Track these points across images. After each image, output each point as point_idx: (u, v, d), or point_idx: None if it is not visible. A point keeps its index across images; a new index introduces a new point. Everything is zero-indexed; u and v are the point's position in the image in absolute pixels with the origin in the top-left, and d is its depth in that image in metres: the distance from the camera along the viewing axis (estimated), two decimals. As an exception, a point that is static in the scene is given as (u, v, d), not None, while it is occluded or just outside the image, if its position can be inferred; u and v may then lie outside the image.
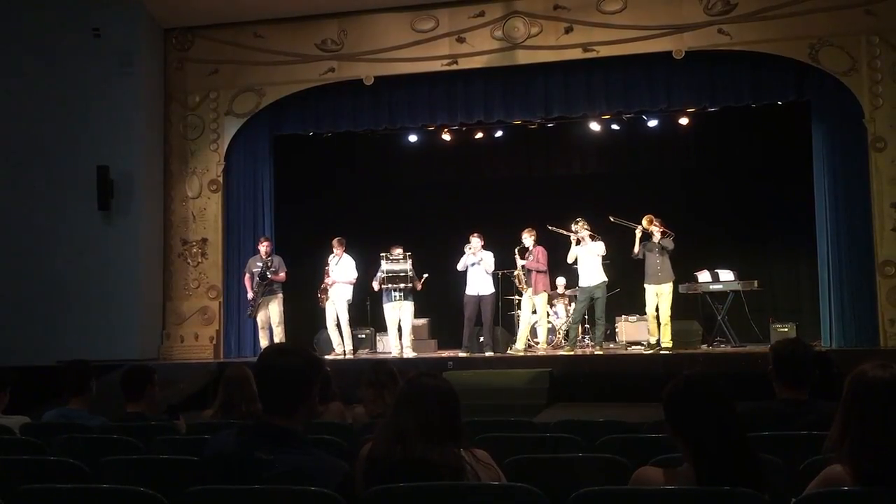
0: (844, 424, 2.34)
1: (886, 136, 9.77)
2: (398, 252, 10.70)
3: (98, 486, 2.99)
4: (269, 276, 10.55)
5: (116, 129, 11.00)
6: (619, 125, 11.97)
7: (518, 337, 10.88)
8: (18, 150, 11.11)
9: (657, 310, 10.19)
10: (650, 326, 10.39)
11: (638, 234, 10.16)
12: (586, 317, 11.26)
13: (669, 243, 10.13)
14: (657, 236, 10.11)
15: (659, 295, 10.12)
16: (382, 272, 10.62)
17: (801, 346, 3.71)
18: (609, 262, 11.18)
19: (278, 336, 10.60)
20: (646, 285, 10.25)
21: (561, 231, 10.73)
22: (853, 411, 2.33)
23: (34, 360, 9.47)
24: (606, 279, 10.50)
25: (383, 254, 10.71)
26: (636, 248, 10.19)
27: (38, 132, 11.07)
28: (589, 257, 10.36)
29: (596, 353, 10.49)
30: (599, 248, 10.38)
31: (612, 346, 11.43)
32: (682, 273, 11.26)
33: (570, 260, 10.51)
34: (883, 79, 9.79)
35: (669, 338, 10.14)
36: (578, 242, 10.40)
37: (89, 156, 10.85)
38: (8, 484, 2.91)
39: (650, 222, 10.14)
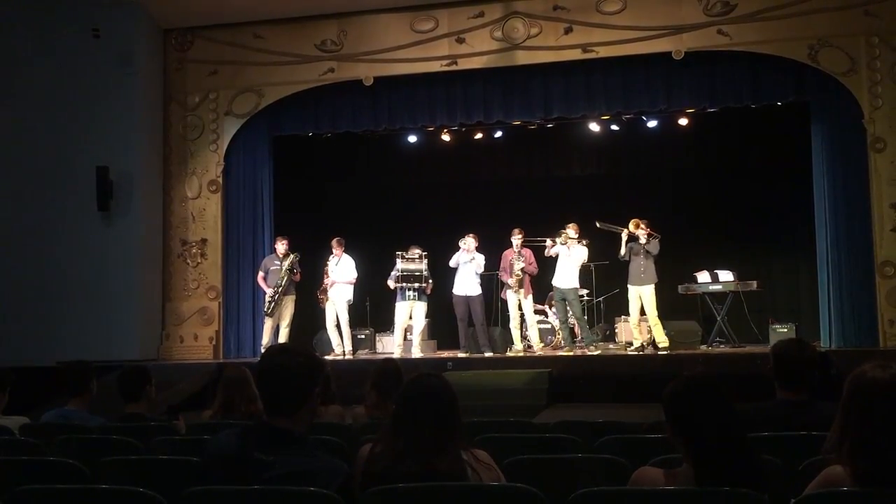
0: (844, 425, 2.34)
1: (886, 137, 9.77)
2: (415, 252, 10.69)
3: (97, 487, 2.99)
4: (295, 273, 10.56)
5: (116, 129, 10.99)
6: (618, 126, 11.97)
7: (514, 338, 10.90)
8: (18, 150, 11.11)
9: (642, 312, 10.22)
10: (633, 328, 10.42)
11: (624, 237, 10.20)
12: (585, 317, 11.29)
13: (654, 247, 10.16)
14: (643, 239, 10.14)
15: (641, 297, 10.15)
16: (398, 271, 10.61)
17: (801, 346, 3.71)
18: (607, 263, 11.22)
19: (283, 336, 10.59)
20: (629, 286, 10.31)
21: (550, 240, 10.67)
22: (853, 412, 2.33)
23: (33, 360, 9.47)
24: (578, 286, 10.63)
25: (399, 252, 10.69)
26: (622, 251, 10.25)
27: (38, 132, 11.06)
28: (568, 260, 10.38)
29: (589, 353, 10.47)
30: (582, 253, 10.41)
31: (611, 346, 11.44)
32: (682, 274, 11.28)
33: (548, 253, 10.51)
34: (882, 80, 9.79)
35: (663, 337, 10.16)
36: (566, 243, 10.42)
37: (89, 156, 10.85)
38: (7, 484, 2.90)
39: (636, 226, 10.17)
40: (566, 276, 10.44)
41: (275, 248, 10.85)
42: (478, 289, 10.71)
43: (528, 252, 10.65)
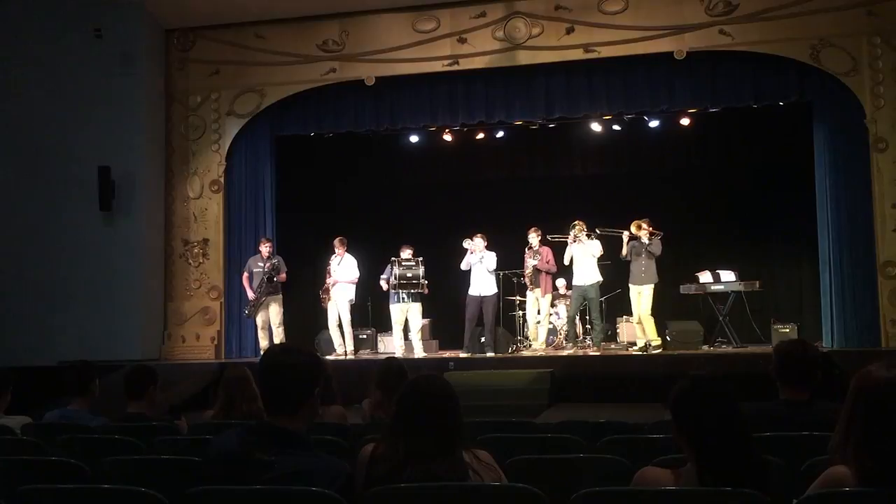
0: (848, 424, 2.33)
1: (888, 137, 9.77)
2: (408, 255, 10.67)
3: (99, 487, 2.98)
4: (275, 279, 10.55)
5: (118, 129, 11.00)
6: (620, 126, 11.96)
7: (531, 337, 10.91)
8: (20, 150, 11.12)
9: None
10: (637, 328, 10.42)
11: (625, 237, 10.20)
12: (587, 316, 11.28)
13: (657, 248, 10.17)
14: (645, 239, 10.14)
15: (640, 295, 10.16)
16: (395, 277, 10.60)
17: (804, 346, 3.70)
18: (609, 263, 11.22)
19: (279, 337, 10.58)
20: (630, 285, 10.32)
21: (559, 237, 10.69)
22: (858, 411, 2.33)
23: (36, 360, 9.50)
24: (601, 279, 10.59)
25: (394, 258, 10.68)
26: (624, 251, 10.26)
27: (40, 133, 11.08)
28: (583, 257, 10.39)
29: (591, 353, 10.49)
30: (595, 247, 10.42)
31: (613, 346, 11.44)
32: (684, 274, 11.28)
33: (566, 261, 10.54)
34: (884, 79, 9.79)
35: (655, 335, 10.19)
36: (575, 240, 10.43)
37: (91, 156, 10.86)
38: (9, 484, 2.91)
39: (638, 228, 10.18)
40: (583, 271, 10.45)
41: (259, 250, 10.82)
42: (492, 288, 10.70)
43: (545, 250, 10.67)
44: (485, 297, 10.63)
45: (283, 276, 10.69)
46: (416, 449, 2.62)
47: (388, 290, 10.81)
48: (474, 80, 11.02)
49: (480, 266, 10.62)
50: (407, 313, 10.73)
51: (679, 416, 2.56)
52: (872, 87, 9.82)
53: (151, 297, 11.21)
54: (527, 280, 10.77)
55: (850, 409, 2.35)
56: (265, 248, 10.69)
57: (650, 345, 10.20)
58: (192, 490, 2.53)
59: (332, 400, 4.78)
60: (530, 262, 10.64)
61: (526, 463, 3.19)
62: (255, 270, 10.67)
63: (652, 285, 10.18)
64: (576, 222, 10.47)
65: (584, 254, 10.41)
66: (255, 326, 10.87)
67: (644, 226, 10.19)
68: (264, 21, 11.37)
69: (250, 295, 10.62)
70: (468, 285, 10.79)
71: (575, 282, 10.58)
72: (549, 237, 10.81)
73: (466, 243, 10.68)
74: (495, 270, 10.76)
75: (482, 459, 2.71)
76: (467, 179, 13.71)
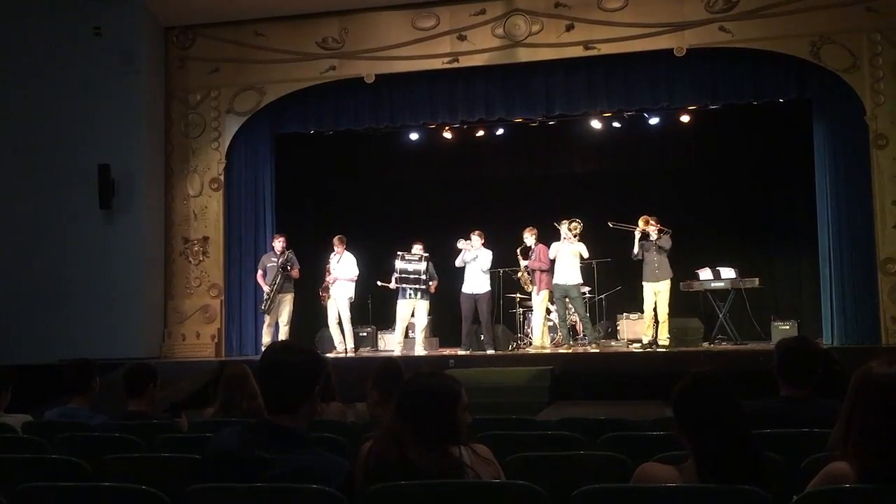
0: (849, 421, 2.34)
1: (888, 134, 9.77)
2: (416, 251, 10.67)
3: (100, 485, 2.99)
4: (289, 270, 10.55)
5: (118, 127, 11.00)
6: (620, 123, 11.95)
7: (534, 336, 10.91)
8: (20, 148, 11.12)
9: (655, 308, 10.21)
10: (646, 325, 10.42)
11: (637, 235, 10.18)
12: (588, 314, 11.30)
13: (666, 242, 10.15)
14: (654, 235, 10.13)
15: (657, 293, 10.15)
16: (396, 271, 10.61)
17: (806, 343, 3.71)
18: (609, 261, 11.22)
19: (284, 334, 10.57)
20: (644, 283, 10.29)
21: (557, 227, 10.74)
22: (858, 408, 2.33)
23: (36, 358, 9.49)
24: (582, 281, 10.66)
25: (400, 252, 10.68)
26: (635, 249, 10.23)
27: (40, 131, 11.08)
28: (568, 255, 10.39)
29: (591, 350, 10.50)
30: (582, 249, 10.42)
31: (613, 343, 11.44)
32: (684, 271, 11.26)
33: (550, 255, 10.54)
34: (884, 76, 9.78)
35: (667, 335, 10.16)
36: (564, 239, 10.47)
37: (91, 154, 10.86)
38: (10, 482, 2.91)
39: (646, 223, 10.17)
40: (565, 271, 10.45)
41: (272, 246, 10.84)
42: (485, 287, 10.67)
43: (538, 248, 10.67)
44: (478, 295, 10.60)
45: (296, 271, 10.68)
46: (410, 451, 2.62)
47: (396, 287, 10.78)
48: (474, 77, 11.01)
49: (474, 264, 10.62)
50: (413, 309, 10.71)
51: (680, 414, 2.57)
52: (872, 83, 9.81)
53: (151, 294, 11.20)
54: (524, 284, 10.84)
55: (850, 406, 2.35)
56: (278, 244, 10.70)
57: (658, 343, 10.17)
58: (192, 488, 2.53)
59: (332, 397, 4.79)
60: (522, 263, 10.70)
61: (526, 460, 3.19)
62: (268, 266, 10.69)
63: (668, 281, 10.16)
64: (573, 221, 10.46)
65: (571, 253, 10.41)
66: (256, 324, 10.86)
67: (652, 222, 10.19)
68: (264, 19, 11.36)
69: (266, 290, 10.62)
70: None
71: (556, 280, 10.54)
72: (554, 223, 10.75)
73: (461, 244, 10.66)
74: (490, 269, 10.74)
75: (481, 455, 2.71)
76: (467, 177, 13.70)
